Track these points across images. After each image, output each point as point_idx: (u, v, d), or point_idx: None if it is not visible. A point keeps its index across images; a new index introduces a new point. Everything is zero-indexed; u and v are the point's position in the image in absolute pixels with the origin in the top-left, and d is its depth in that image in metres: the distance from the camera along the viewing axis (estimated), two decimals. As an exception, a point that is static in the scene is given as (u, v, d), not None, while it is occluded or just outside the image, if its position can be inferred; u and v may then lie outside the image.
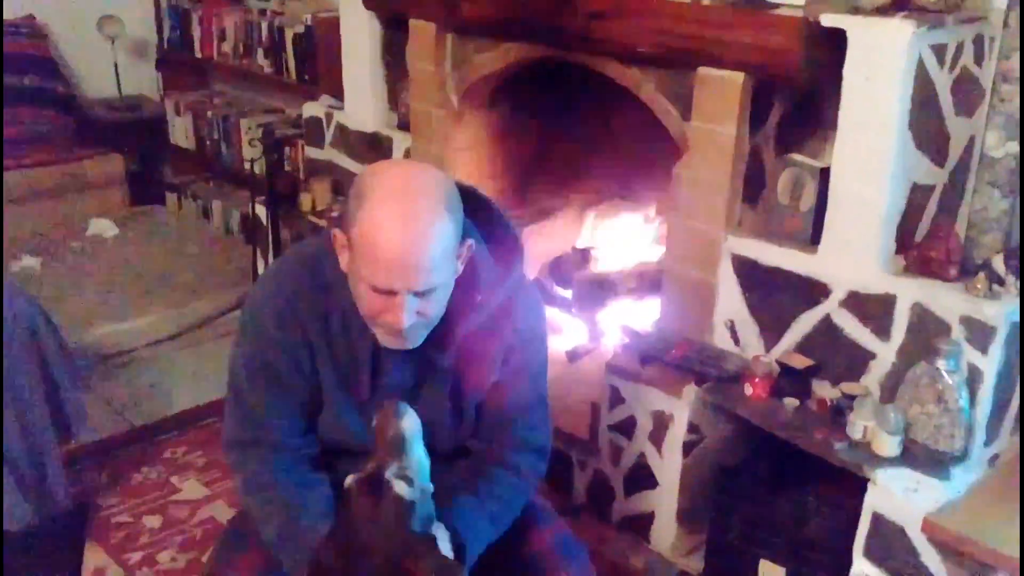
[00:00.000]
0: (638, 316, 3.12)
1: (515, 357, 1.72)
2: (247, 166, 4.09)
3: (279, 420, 1.67)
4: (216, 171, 4.94)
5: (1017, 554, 1.91)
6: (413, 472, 1.43)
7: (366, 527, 1.39)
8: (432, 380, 1.68)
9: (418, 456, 1.46)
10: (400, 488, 1.40)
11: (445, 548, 1.50)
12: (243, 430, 1.69)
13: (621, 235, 3.50)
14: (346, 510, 1.42)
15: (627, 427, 2.65)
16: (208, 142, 4.89)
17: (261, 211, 3.72)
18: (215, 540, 1.86)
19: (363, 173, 1.53)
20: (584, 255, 3.43)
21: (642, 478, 2.66)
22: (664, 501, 2.62)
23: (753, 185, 2.52)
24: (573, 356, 3.19)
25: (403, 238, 1.43)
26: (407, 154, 3.41)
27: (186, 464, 2.94)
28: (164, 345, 3.63)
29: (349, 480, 1.43)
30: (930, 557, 2.06)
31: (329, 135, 3.79)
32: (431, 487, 1.47)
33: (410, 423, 1.47)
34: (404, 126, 3.47)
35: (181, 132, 5.04)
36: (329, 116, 3.77)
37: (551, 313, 3.39)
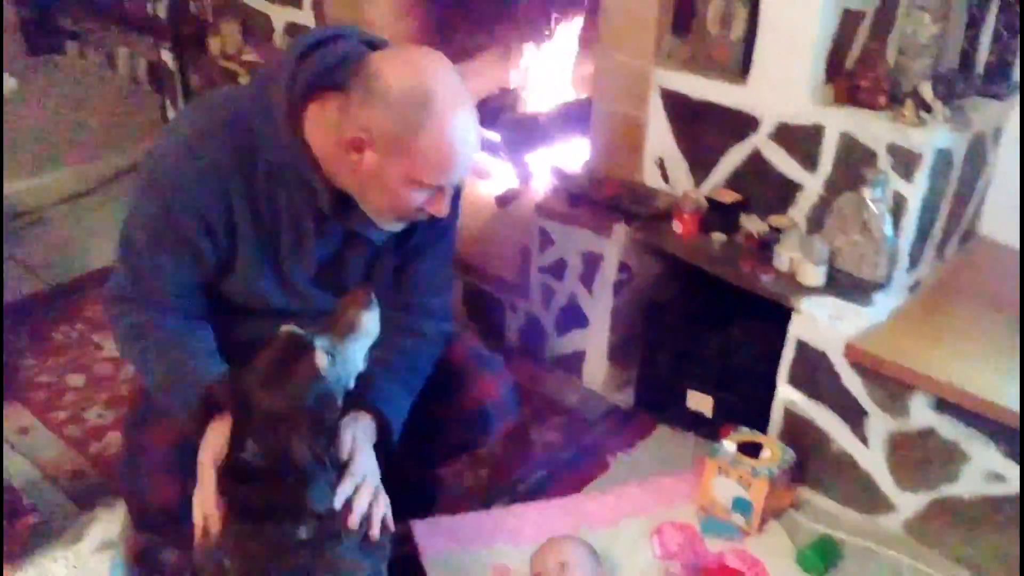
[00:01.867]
0: (567, 157, 3.07)
1: (432, 227, 1.72)
2: (149, 9, 3.84)
3: (175, 284, 1.61)
4: (117, 16, 4.64)
5: (937, 374, 1.98)
6: (341, 358, 1.42)
7: (270, 378, 1.36)
8: (353, 249, 1.68)
9: (354, 355, 1.46)
10: (320, 358, 1.39)
11: (368, 434, 1.53)
12: (131, 288, 1.62)
13: (549, 73, 3.40)
14: (259, 355, 1.40)
15: (557, 269, 2.65)
16: (106, -17, 4.58)
17: (168, 57, 3.52)
18: (126, 412, 1.83)
19: (405, 75, 1.46)
20: (511, 96, 3.34)
21: (573, 318, 2.67)
22: (595, 339, 2.65)
23: (683, 15, 2.44)
24: (502, 201, 3.14)
25: (474, 140, 1.52)
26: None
27: (105, 322, 2.85)
28: (76, 202, 3.49)
29: (284, 328, 1.40)
30: (851, 381, 2.13)
31: (235, -28, 3.56)
32: (353, 380, 1.47)
33: (371, 320, 1.48)
34: (315, -40, 3.28)
35: (76, -26, 4.72)
36: (235, -48, 3.54)
37: (478, 157, 3.33)
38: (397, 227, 1.63)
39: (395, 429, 1.61)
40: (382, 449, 1.58)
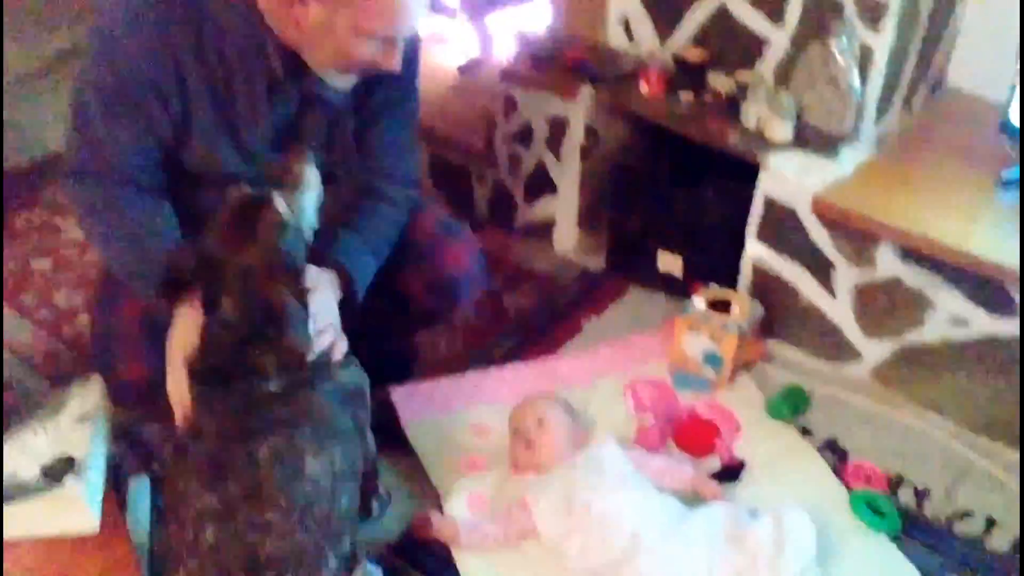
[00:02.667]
0: (529, 19, 3.00)
1: (390, 88, 1.71)
2: None
3: (132, 153, 1.58)
4: None
5: (903, 224, 2.00)
6: (298, 209, 1.43)
7: (234, 236, 1.36)
8: (312, 111, 1.66)
9: (308, 205, 1.47)
10: (280, 207, 1.39)
11: (332, 287, 1.54)
12: (89, 160, 1.59)
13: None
14: (217, 216, 1.39)
15: (524, 135, 2.62)
16: None
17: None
18: (93, 289, 1.81)
19: None
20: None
21: (542, 185, 2.66)
22: (564, 205, 2.64)
23: None
24: (465, 69, 3.08)
25: None
26: None
27: (67, 205, 2.80)
28: (28, 83, 3.37)
29: (233, 189, 1.40)
30: (819, 234, 2.15)
31: None
32: (311, 233, 1.48)
33: (313, 174, 1.49)
34: None
35: None
36: None
37: (437, 22, 3.26)
38: (348, 82, 1.60)
39: (359, 284, 1.62)
40: (348, 307, 1.59)
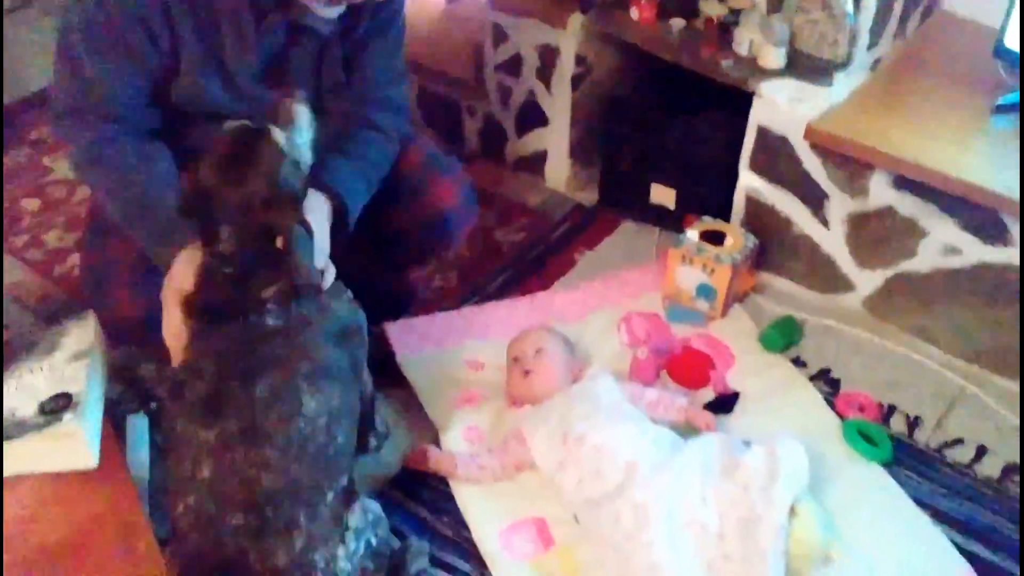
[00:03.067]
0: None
1: (377, 15, 1.69)
2: None
3: (122, 92, 1.57)
4: None
5: (897, 151, 1.98)
6: (292, 147, 1.42)
7: (232, 166, 1.35)
8: (300, 42, 1.64)
9: (301, 143, 1.46)
10: (279, 137, 1.38)
11: (324, 212, 1.53)
12: (79, 100, 1.57)
13: None
14: (213, 147, 1.38)
15: (514, 66, 2.58)
16: None
17: None
18: (84, 230, 1.80)
19: None
20: None
21: (533, 117, 2.63)
22: (556, 138, 2.62)
23: None
24: (452, -2, 3.02)
25: None
26: None
27: (54, 144, 2.78)
28: (7, 19, 3.30)
29: (229, 123, 1.39)
30: (812, 163, 2.13)
31: None
32: (308, 166, 1.47)
33: (305, 112, 1.48)
34: None
35: None
36: None
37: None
38: (335, 10, 1.58)
39: (351, 210, 1.61)
40: (340, 233, 1.58)
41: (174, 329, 1.43)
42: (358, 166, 1.68)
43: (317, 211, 1.53)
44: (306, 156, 1.47)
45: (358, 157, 1.69)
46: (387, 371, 2.00)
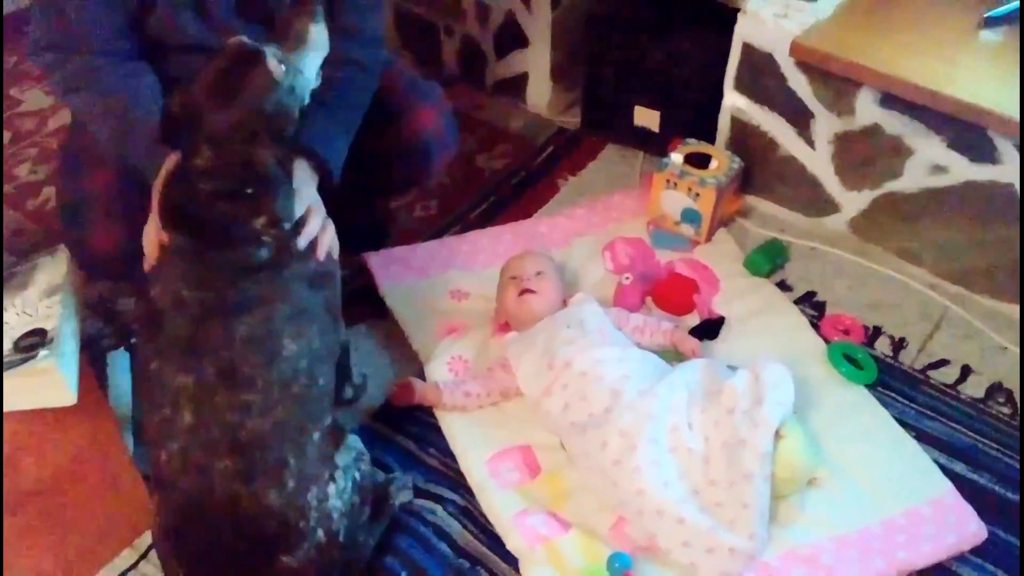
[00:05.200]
0: None
1: None
2: None
3: (101, 27, 1.53)
4: None
5: (883, 67, 1.94)
6: (294, 71, 1.36)
7: (220, 89, 1.30)
8: None
9: (307, 69, 1.39)
10: (273, 65, 1.32)
11: (308, 175, 1.49)
12: (59, 33, 1.53)
13: None
14: (210, 63, 1.33)
15: (493, -15, 2.52)
16: None
17: None
18: (57, 160, 1.76)
19: None
20: None
21: (513, 38, 2.57)
22: (537, 59, 2.56)
23: None
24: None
25: None
26: None
27: (22, 74, 2.72)
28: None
29: (232, 39, 1.33)
30: (797, 81, 2.09)
31: None
32: (308, 94, 1.41)
33: (319, 32, 1.40)
34: None
35: None
36: None
37: None
38: None
39: (334, 170, 1.57)
40: (325, 191, 1.54)
41: (152, 235, 1.40)
42: (338, 117, 1.63)
43: (303, 175, 1.48)
44: (309, 80, 1.41)
45: (338, 106, 1.63)
46: (369, 302, 1.98)
